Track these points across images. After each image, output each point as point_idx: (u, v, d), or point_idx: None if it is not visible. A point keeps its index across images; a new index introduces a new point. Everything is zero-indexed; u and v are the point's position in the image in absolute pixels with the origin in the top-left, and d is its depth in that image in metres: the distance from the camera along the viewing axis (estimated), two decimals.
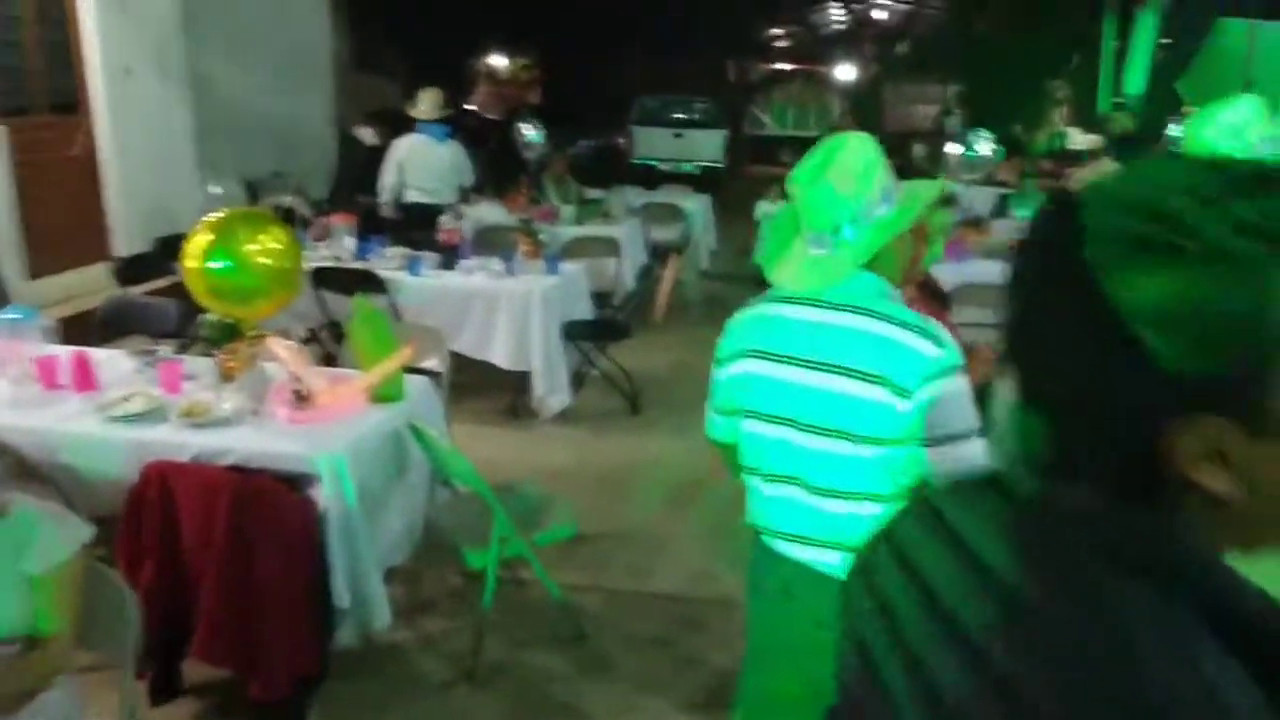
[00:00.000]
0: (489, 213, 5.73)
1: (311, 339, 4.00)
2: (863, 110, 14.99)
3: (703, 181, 10.25)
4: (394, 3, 12.10)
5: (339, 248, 4.56)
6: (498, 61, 22.14)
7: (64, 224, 5.32)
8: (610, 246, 5.48)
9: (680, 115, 13.95)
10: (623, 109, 14.06)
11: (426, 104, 5.34)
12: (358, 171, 5.79)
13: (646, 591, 2.70)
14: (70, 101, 5.49)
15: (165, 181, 5.93)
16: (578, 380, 4.34)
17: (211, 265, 2.37)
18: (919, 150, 8.55)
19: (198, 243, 2.42)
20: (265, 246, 2.48)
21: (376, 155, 5.72)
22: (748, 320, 1.49)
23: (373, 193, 5.56)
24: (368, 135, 5.84)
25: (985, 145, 7.02)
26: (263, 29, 7.19)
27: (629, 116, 13.88)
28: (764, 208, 6.22)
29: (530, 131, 7.05)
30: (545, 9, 15.16)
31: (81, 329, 3.66)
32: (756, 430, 1.47)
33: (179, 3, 6.02)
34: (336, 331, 4.05)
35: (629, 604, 2.62)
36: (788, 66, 18.94)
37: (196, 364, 2.63)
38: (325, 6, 8.04)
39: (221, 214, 2.52)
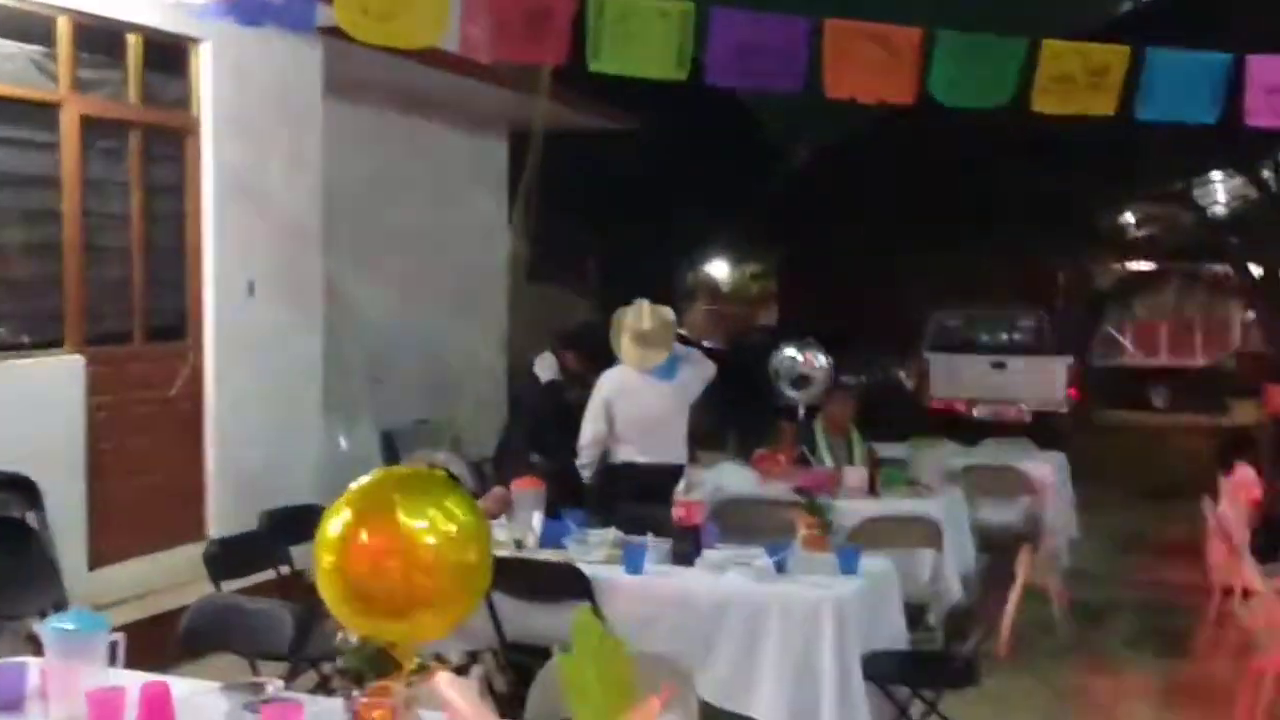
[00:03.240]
0: (733, 477, 5.67)
1: (465, 668, 3.84)
2: None
3: (1039, 433, 9.87)
4: (587, 194, 13.33)
5: (521, 528, 4.51)
6: (717, 270, 24.53)
7: (146, 490, 5.41)
8: (924, 532, 5.25)
9: (997, 337, 13.78)
10: (907, 330, 14.14)
11: (653, 322, 5.59)
12: (536, 418, 6.06)
13: None
14: (174, 324, 5.74)
15: (282, 430, 6.13)
16: None
17: (353, 552, 2.31)
18: None
19: (337, 523, 2.34)
20: (438, 528, 2.37)
21: (561, 395, 6.07)
22: None
23: (555, 450, 5.71)
24: (548, 367, 6.10)
25: None
26: (419, 227, 7.77)
27: (922, 340, 13.82)
28: None
29: (795, 358, 6.93)
30: (788, 203, 15.83)
31: (157, 641, 3.67)
32: None
33: (320, 197, 6.36)
34: (512, 658, 4.03)
35: None
36: (1149, 265, 18.55)
37: (324, 708, 2.53)
38: (503, 198, 8.82)
39: (372, 478, 2.48)
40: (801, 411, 6.95)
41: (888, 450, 6.56)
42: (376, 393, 7.04)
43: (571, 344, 6.25)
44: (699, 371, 5.78)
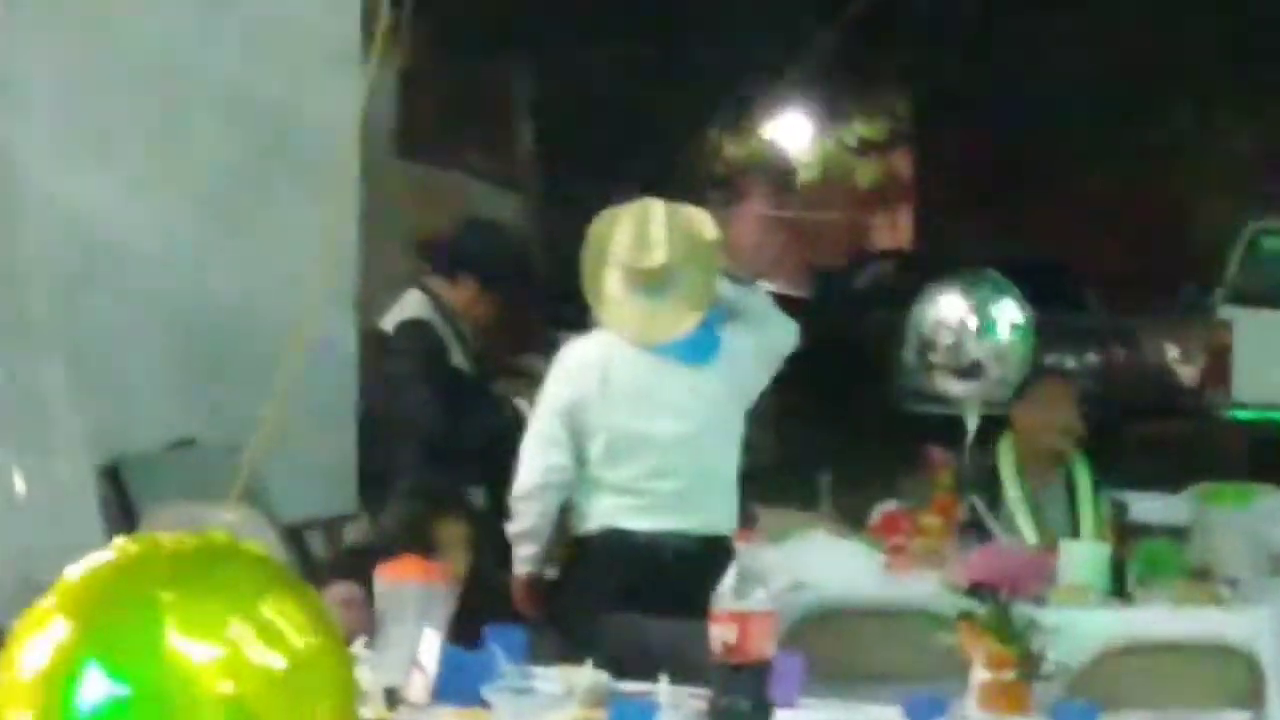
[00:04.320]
0: (831, 562, 5.45)
1: None
2: None
3: None
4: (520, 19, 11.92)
5: (395, 663, 4.11)
6: (783, 135, 21.09)
7: None
8: (1228, 674, 5.27)
9: None
10: (1184, 261, 13.07)
11: (671, 247, 5.11)
12: (414, 413, 6.00)
13: None
14: None
15: None
16: None
17: (85, 697, 2.38)
18: None
19: (37, 657, 2.43)
20: (244, 668, 2.46)
21: (440, 350, 6.01)
22: None
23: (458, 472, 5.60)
24: (413, 309, 6.06)
25: None
26: (170, 65, 7.60)
27: (1220, 282, 12.15)
28: None
29: (956, 317, 6.25)
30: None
31: None
32: None
33: None
34: None
35: None
36: None
37: None
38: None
39: (111, 562, 2.50)
40: (971, 427, 6.18)
41: (1148, 506, 6.09)
42: (90, 394, 6.54)
43: (463, 259, 6.15)
44: (764, 339, 5.35)
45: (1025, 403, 6.34)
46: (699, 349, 5.31)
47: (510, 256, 6.54)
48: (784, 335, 5.58)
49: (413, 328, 6.22)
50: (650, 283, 5.27)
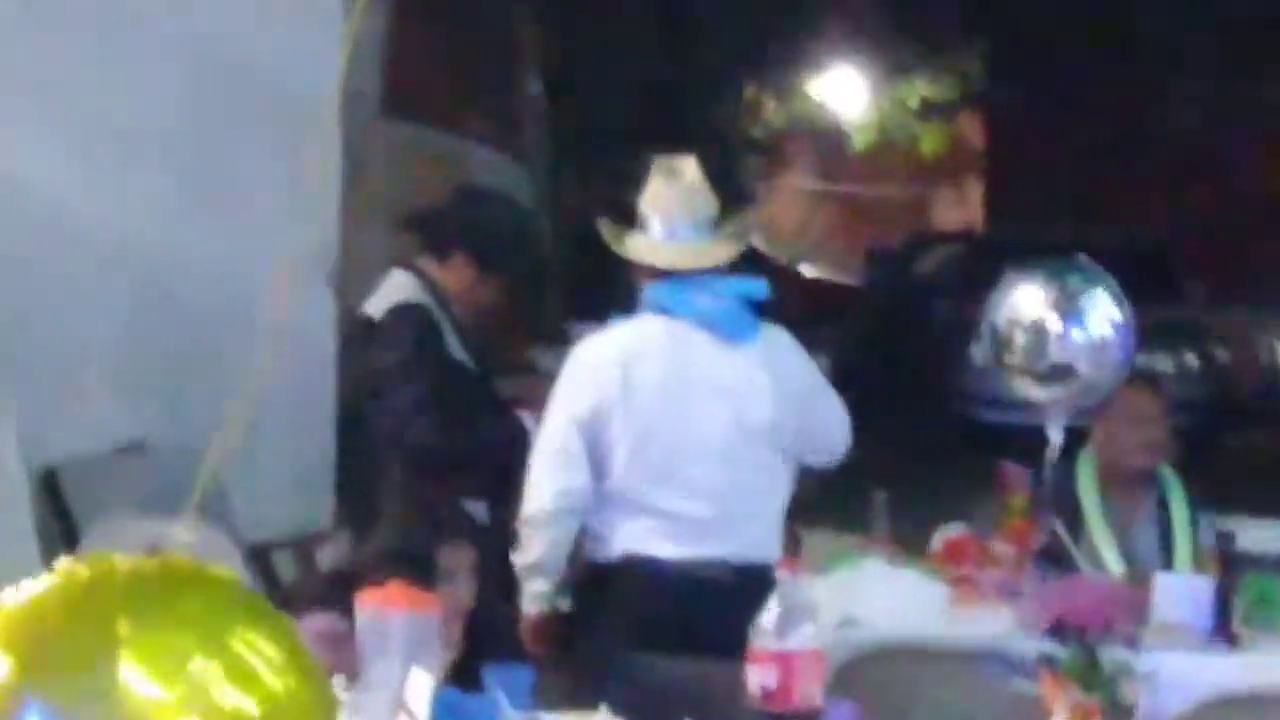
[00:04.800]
0: (889, 595, 5.58)
1: None
2: None
3: None
4: None
5: (379, 702, 4.28)
6: (831, 96, 20.70)
7: None
8: None
9: None
10: None
11: (681, 205, 5.29)
12: (426, 432, 6.00)
13: None
14: None
15: None
16: None
17: None
18: None
19: None
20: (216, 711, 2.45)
21: (432, 338, 6.04)
22: None
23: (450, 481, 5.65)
24: (398, 291, 6.05)
25: None
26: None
27: None
28: None
29: (1038, 312, 6.25)
30: None
31: None
32: None
33: None
34: None
35: None
36: None
37: None
38: None
39: (55, 585, 2.51)
40: (1054, 440, 6.08)
41: (1258, 534, 5.98)
42: (24, 389, 6.72)
43: (458, 234, 6.16)
44: (795, 356, 5.53)
45: (1105, 413, 6.38)
46: (737, 324, 5.38)
47: (513, 231, 6.53)
48: (805, 371, 5.74)
49: (405, 313, 6.09)
50: (684, 184, 5.57)
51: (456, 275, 6.28)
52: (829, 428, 5.60)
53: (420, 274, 6.29)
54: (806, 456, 5.56)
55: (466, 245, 6.31)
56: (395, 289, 6.29)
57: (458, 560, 4.95)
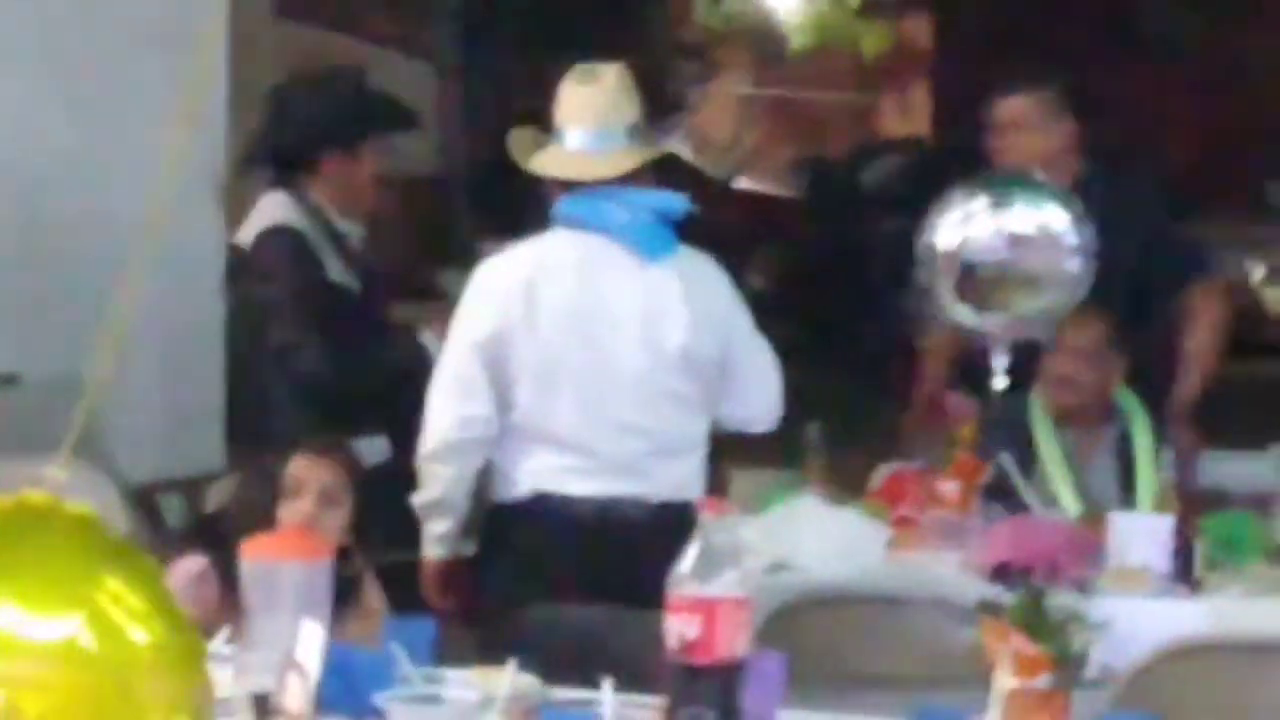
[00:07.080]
0: (822, 536, 5.64)
1: None
2: None
3: None
4: None
5: (266, 663, 4.00)
6: None
7: None
8: None
9: None
10: None
11: (595, 113, 5.25)
12: (308, 364, 5.97)
13: None
14: None
15: None
16: None
17: None
18: None
19: None
20: (73, 663, 2.57)
21: (311, 261, 5.97)
22: None
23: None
24: (275, 210, 5.97)
25: None
26: None
27: None
28: None
29: (976, 228, 6.33)
30: None
31: None
32: None
33: None
34: None
35: None
36: None
37: None
38: None
39: None
40: (998, 369, 6.08)
41: (1224, 469, 6.07)
42: None
43: (305, 139, 6.06)
44: (717, 283, 5.53)
45: (1066, 340, 6.44)
46: (652, 239, 5.34)
47: (365, 108, 6.34)
48: (721, 290, 5.76)
49: (273, 236, 5.93)
50: (597, 85, 5.60)
51: (328, 185, 6.19)
52: (752, 376, 5.55)
53: (295, 192, 6.21)
54: (726, 416, 5.55)
55: (325, 143, 6.24)
56: (267, 212, 6.19)
57: (319, 481, 4.99)
